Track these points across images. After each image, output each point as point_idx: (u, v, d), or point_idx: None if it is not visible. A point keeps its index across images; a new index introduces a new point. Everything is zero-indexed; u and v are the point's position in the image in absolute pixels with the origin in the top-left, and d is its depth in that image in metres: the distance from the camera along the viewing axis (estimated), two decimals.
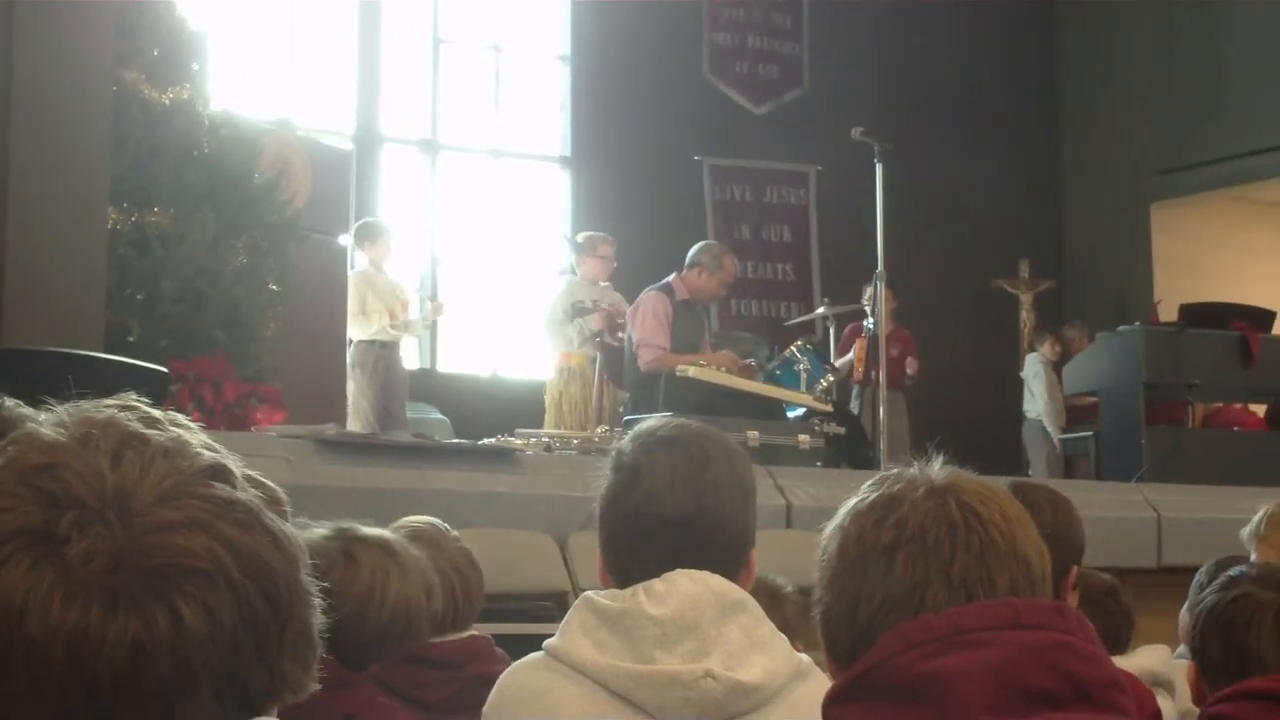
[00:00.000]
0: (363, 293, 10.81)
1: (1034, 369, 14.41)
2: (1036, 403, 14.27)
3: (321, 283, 9.64)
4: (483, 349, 14.56)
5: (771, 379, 10.39)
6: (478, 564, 3.86)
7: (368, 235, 11.14)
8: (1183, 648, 4.60)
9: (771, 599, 3.22)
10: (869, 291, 12.66)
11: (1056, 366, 14.15)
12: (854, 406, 12.30)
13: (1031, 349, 14.79)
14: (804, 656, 2.55)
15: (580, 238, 11.26)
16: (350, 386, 10.76)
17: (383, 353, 10.95)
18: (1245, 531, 3.92)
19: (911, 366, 12.59)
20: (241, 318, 8.28)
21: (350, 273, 11.07)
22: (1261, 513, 3.88)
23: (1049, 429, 14.12)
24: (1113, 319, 14.10)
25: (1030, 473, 13.71)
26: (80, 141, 6.71)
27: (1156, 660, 4.43)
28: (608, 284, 10.90)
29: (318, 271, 9.50)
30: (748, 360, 10.32)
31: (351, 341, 10.87)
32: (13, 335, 6.11)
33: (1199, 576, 4.76)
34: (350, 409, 10.70)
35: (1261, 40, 15.64)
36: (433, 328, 13.23)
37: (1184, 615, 4.87)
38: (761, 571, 3.45)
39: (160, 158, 8.04)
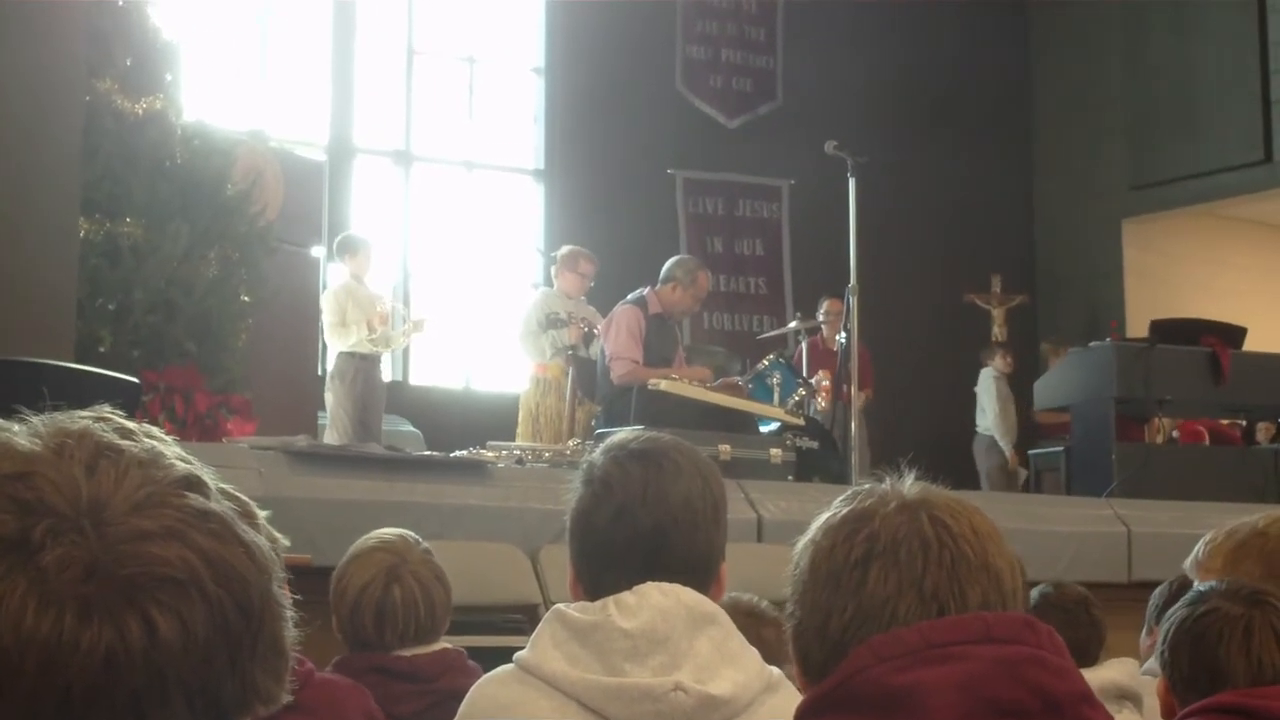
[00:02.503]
0: (343, 305, 10.81)
1: (984, 383, 14.45)
2: (986, 416, 14.32)
3: (293, 294, 9.63)
4: (455, 362, 14.55)
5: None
6: (444, 577, 3.85)
7: (348, 248, 11.14)
8: (1149, 663, 4.61)
9: (749, 618, 3.22)
10: (824, 305, 12.68)
11: (1010, 379, 14.24)
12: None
13: (984, 364, 14.76)
14: (775, 670, 2.56)
15: (563, 251, 11.24)
16: (329, 398, 10.78)
17: (362, 365, 10.95)
18: (1187, 563, 3.92)
19: (864, 398, 12.36)
20: (213, 328, 8.28)
21: (331, 285, 11.07)
22: (1200, 542, 3.88)
23: (1000, 443, 14.16)
24: (1084, 334, 14.14)
25: (982, 486, 13.76)
26: (52, 151, 6.69)
27: (1124, 673, 4.44)
28: (583, 299, 10.91)
29: (289, 283, 9.49)
30: (735, 379, 10.35)
31: (327, 352, 10.90)
32: None
33: (1154, 599, 4.79)
34: (329, 420, 10.70)
35: (1233, 58, 15.72)
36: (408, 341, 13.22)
37: (1143, 640, 4.88)
38: (738, 591, 3.46)
39: (132, 168, 8.04)
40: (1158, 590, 4.81)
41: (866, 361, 11.93)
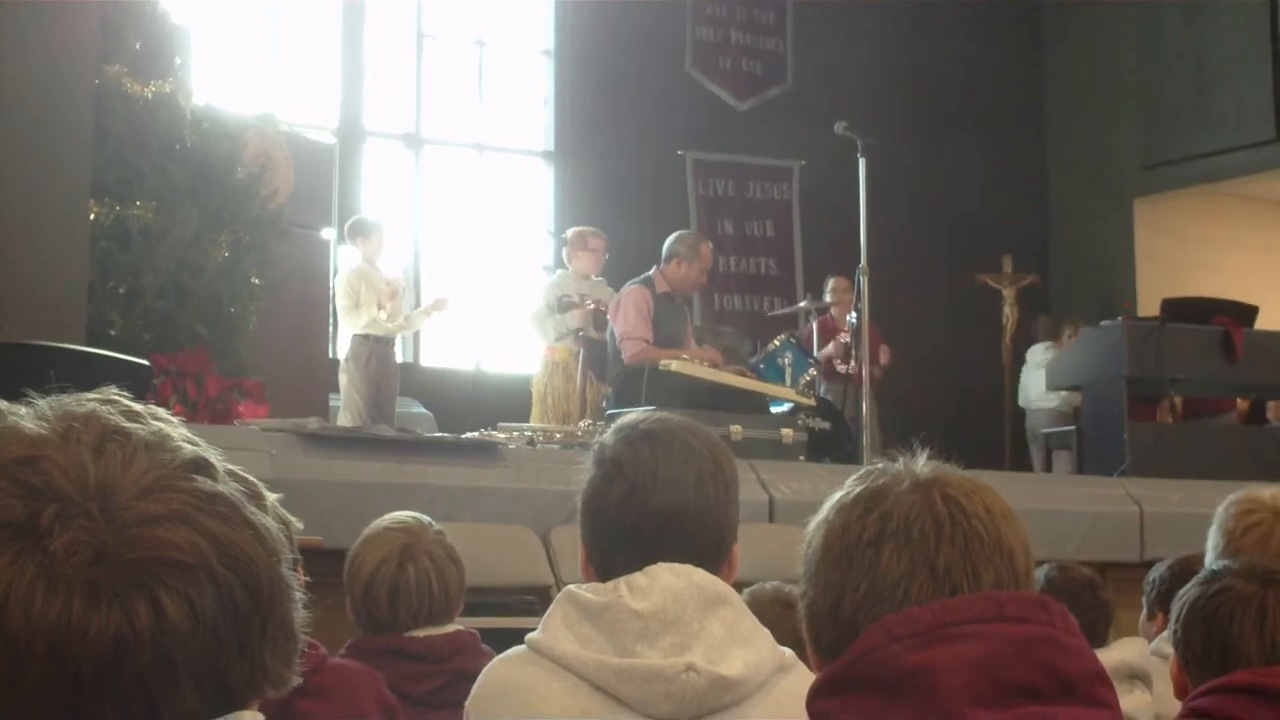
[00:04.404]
0: (357, 288, 10.80)
1: (1036, 359, 14.36)
2: (1029, 393, 14.24)
3: (304, 277, 9.62)
4: (466, 343, 14.54)
5: (755, 373, 10.39)
6: (459, 559, 3.86)
7: (360, 231, 11.11)
8: (1153, 644, 4.60)
9: (786, 609, 3.21)
10: (831, 284, 12.69)
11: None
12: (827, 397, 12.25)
13: (1048, 338, 14.64)
14: (787, 650, 2.55)
15: (570, 232, 11.23)
16: (343, 380, 10.77)
17: (376, 347, 10.93)
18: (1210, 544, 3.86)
19: (885, 355, 12.34)
20: (224, 312, 8.28)
21: (343, 269, 11.06)
22: (1224, 523, 3.83)
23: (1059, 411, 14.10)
24: (1096, 313, 14.11)
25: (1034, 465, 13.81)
26: (63, 134, 6.70)
27: (1134, 653, 4.44)
28: (600, 279, 10.87)
29: (300, 266, 9.49)
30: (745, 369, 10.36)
31: (340, 335, 10.90)
32: None
33: (1153, 583, 4.76)
34: (343, 402, 10.70)
35: (1245, 37, 15.67)
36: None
37: (1143, 623, 4.87)
38: (750, 571, 3.45)
39: (143, 151, 8.04)
40: (1155, 574, 4.78)
41: (878, 336, 11.95)
